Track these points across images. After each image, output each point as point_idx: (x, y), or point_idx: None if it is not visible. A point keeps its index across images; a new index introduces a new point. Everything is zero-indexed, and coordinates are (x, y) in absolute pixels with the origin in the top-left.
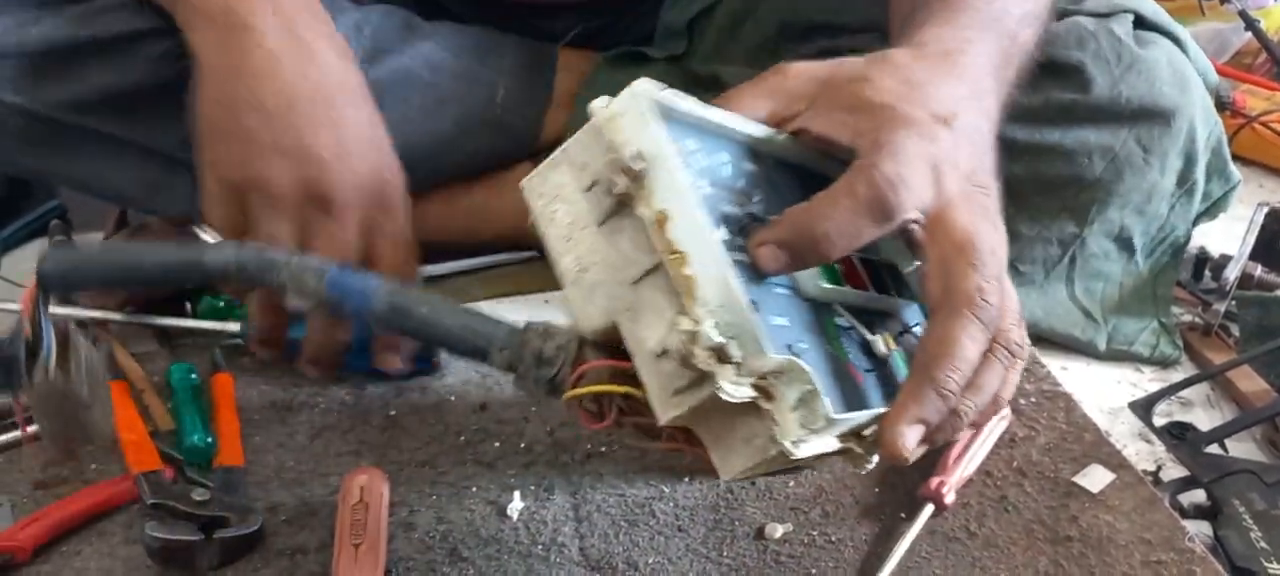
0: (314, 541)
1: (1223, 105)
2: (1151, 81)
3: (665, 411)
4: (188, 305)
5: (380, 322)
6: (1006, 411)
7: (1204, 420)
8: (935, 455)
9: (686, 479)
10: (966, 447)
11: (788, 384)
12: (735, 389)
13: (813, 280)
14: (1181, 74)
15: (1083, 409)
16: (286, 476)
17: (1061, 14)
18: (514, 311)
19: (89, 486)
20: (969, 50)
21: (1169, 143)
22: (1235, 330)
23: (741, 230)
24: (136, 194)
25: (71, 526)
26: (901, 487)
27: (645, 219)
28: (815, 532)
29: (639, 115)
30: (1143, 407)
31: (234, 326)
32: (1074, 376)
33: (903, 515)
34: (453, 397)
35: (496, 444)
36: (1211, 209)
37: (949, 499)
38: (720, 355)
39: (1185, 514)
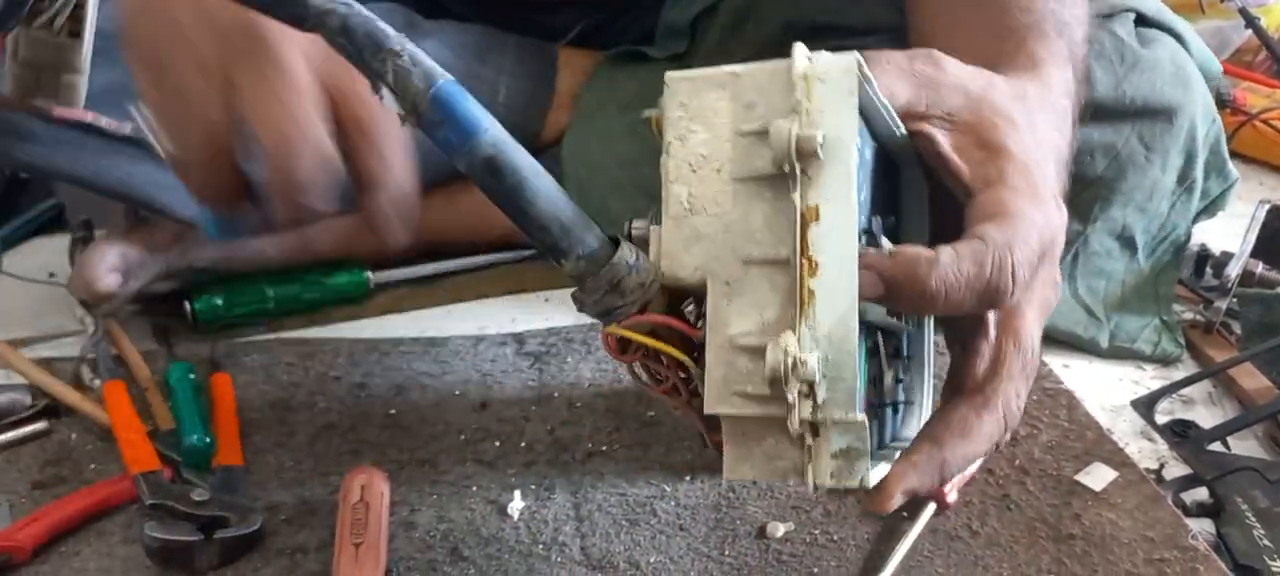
0: (314, 541)
1: (1223, 103)
2: (1154, 80)
3: (716, 403)
4: (186, 305)
5: (469, 168)
6: None
7: (1206, 418)
8: None
9: (688, 477)
10: None
11: (842, 433)
12: (799, 425)
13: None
14: (1183, 71)
15: (1085, 407)
16: (286, 476)
17: None
18: (513, 310)
19: (88, 486)
20: (1068, 95)
21: (1171, 140)
22: (1237, 327)
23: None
24: (136, 191)
25: (70, 526)
26: None
27: (795, 205)
28: (817, 531)
29: (844, 93)
30: (1145, 405)
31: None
32: (1076, 374)
33: (904, 514)
34: (453, 396)
35: (497, 443)
36: (1210, 207)
37: (951, 497)
38: (808, 390)
39: (1188, 512)
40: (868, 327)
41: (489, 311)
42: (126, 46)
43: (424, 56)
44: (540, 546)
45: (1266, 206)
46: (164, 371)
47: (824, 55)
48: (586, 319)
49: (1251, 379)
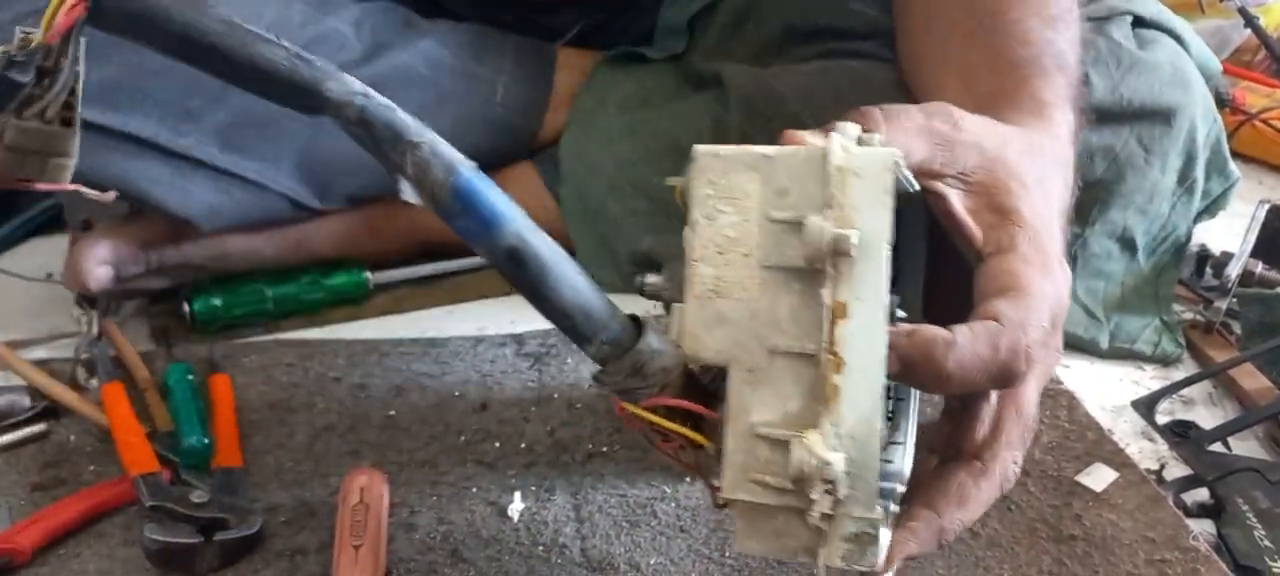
0: (314, 542)
1: (1223, 102)
2: (1152, 82)
3: (734, 490)
4: (185, 306)
5: (491, 257)
6: None
7: (1206, 418)
8: None
9: (688, 479)
10: None
11: (857, 521)
12: (819, 518)
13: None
14: (1182, 73)
15: (1085, 407)
16: (286, 477)
17: None
18: (512, 311)
19: (87, 488)
20: (1073, 141)
21: (1170, 142)
22: (1237, 328)
23: None
24: (132, 187)
25: (70, 528)
26: None
27: (824, 301)
28: None
29: (880, 190)
30: (1145, 406)
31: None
32: (1076, 375)
33: None
34: (453, 397)
35: (497, 444)
36: (1211, 207)
37: None
38: (830, 487)
39: (1189, 512)
40: None
41: (488, 312)
42: None
43: (445, 146)
44: (541, 548)
45: (1266, 206)
46: (162, 372)
47: (859, 150)
48: None
49: (1252, 379)
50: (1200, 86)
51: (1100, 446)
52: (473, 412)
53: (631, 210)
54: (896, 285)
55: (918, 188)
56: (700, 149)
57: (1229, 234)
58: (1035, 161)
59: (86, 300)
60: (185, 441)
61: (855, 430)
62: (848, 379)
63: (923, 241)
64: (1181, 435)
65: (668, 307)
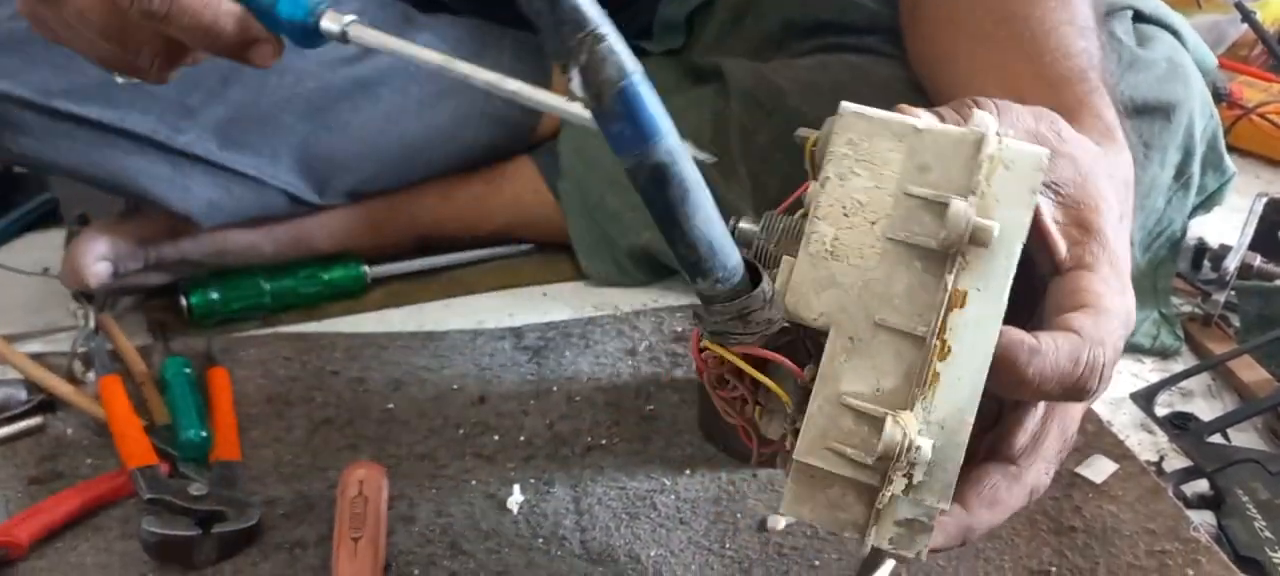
0: (313, 535)
1: (1219, 97)
2: (1151, 78)
3: (809, 453)
4: (182, 300)
5: (634, 169)
6: None
7: (1205, 410)
8: None
9: (688, 471)
10: None
11: (916, 507)
12: (887, 500)
13: None
14: (1181, 68)
15: None
16: (284, 470)
17: None
18: (510, 304)
19: (85, 481)
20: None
21: (1169, 137)
22: (1236, 320)
23: None
24: (130, 182)
25: (67, 521)
26: None
27: (945, 284)
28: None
29: (1026, 188)
30: (1144, 398)
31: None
32: None
33: None
34: (452, 390)
35: (496, 437)
36: (1206, 202)
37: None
38: (909, 470)
39: (1189, 504)
40: None
41: (486, 305)
42: None
43: (623, 48)
44: (540, 540)
45: (1264, 199)
46: (160, 366)
47: (1011, 143)
48: (584, 313)
49: (1250, 371)
50: (1198, 82)
51: (1100, 438)
52: (471, 405)
53: (630, 204)
54: None
55: None
56: (847, 105)
57: (1227, 227)
58: (1112, 182)
59: (84, 295)
60: (183, 434)
61: (947, 419)
62: (950, 368)
63: None
64: (1181, 427)
65: (755, 253)
